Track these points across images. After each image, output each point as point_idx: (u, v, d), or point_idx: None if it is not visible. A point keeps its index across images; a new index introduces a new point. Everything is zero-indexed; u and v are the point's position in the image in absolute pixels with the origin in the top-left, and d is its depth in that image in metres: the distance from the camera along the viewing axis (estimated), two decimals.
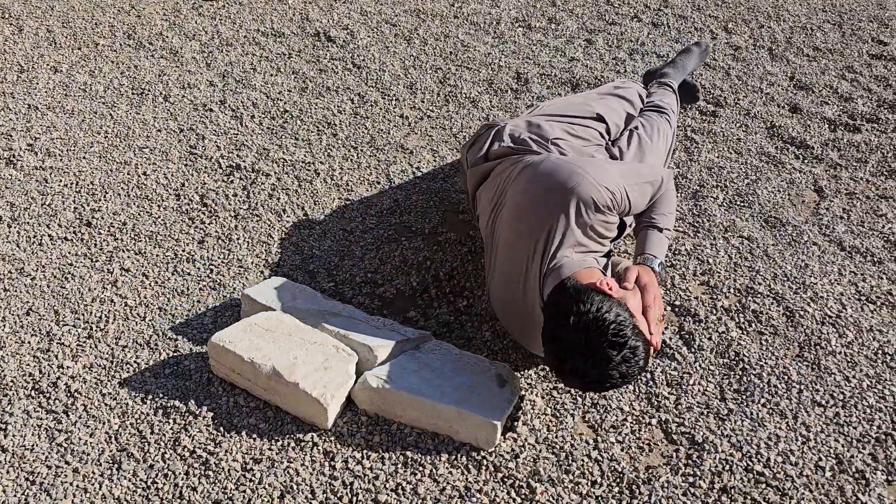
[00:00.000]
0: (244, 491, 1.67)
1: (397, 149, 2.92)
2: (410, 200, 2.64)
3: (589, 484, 1.70)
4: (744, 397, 1.92)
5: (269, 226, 2.51)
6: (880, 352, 2.06)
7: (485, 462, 1.74)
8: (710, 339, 2.10)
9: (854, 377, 1.98)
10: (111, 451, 1.76)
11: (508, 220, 1.92)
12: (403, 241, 2.46)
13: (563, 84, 3.40)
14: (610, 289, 1.66)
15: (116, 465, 1.73)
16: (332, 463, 1.73)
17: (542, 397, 1.92)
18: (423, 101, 3.23)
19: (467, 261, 2.38)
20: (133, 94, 3.24)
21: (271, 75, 3.40)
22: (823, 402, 1.91)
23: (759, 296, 2.24)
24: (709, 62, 3.64)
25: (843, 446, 1.80)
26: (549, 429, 1.83)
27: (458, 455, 1.75)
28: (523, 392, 1.92)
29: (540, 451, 1.78)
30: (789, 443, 1.81)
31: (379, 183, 2.73)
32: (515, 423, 1.84)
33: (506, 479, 1.71)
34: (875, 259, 2.39)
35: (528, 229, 1.85)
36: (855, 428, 1.84)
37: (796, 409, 1.89)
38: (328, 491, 1.67)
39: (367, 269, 2.34)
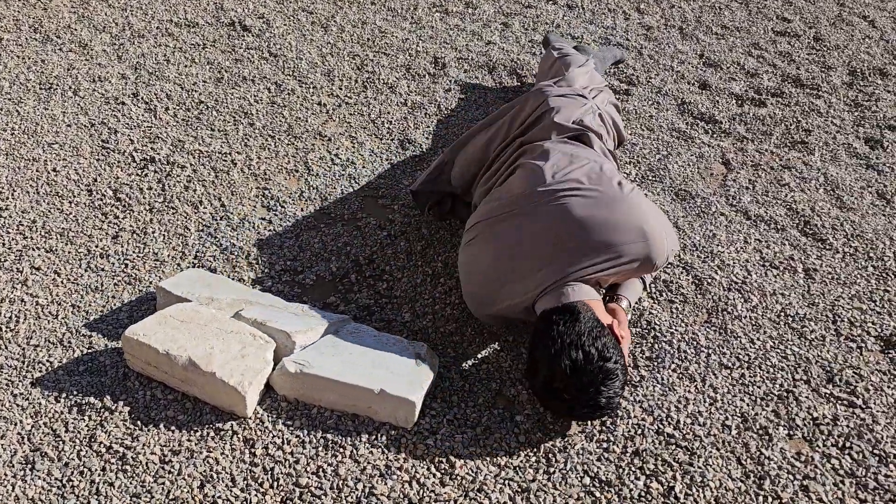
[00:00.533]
0: (163, 483, 1.66)
1: (315, 136, 2.91)
2: (329, 187, 2.64)
3: (507, 455, 1.75)
4: (655, 364, 1.99)
5: (186, 218, 2.47)
6: (783, 314, 2.16)
7: (405, 440, 1.77)
8: (634, 311, 2.16)
9: (758, 339, 2.07)
10: (24, 451, 1.73)
11: (570, 215, 1.83)
12: (323, 227, 2.46)
13: (480, 68, 3.43)
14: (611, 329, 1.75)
15: (30, 466, 1.70)
16: (253, 450, 1.74)
17: (460, 374, 1.95)
18: (340, 88, 3.23)
19: (386, 245, 2.39)
20: (41, 89, 3.15)
21: (185, 66, 3.34)
22: (730, 365, 1.99)
23: (669, 266, 2.32)
24: (622, 42, 3.72)
25: (748, 405, 1.88)
26: (468, 404, 1.87)
27: (379, 434, 1.78)
28: (441, 370, 1.95)
29: (459, 426, 1.81)
30: (698, 405, 1.88)
31: (297, 171, 2.72)
32: (434, 400, 1.87)
33: (426, 456, 1.73)
34: (778, 227, 2.50)
35: (588, 243, 1.80)
36: (759, 387, 1.93)
37: (704, 373, 1.97)
38: (249, 478, 1.68)
39: (286, 256, 2.34)
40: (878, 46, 3.78)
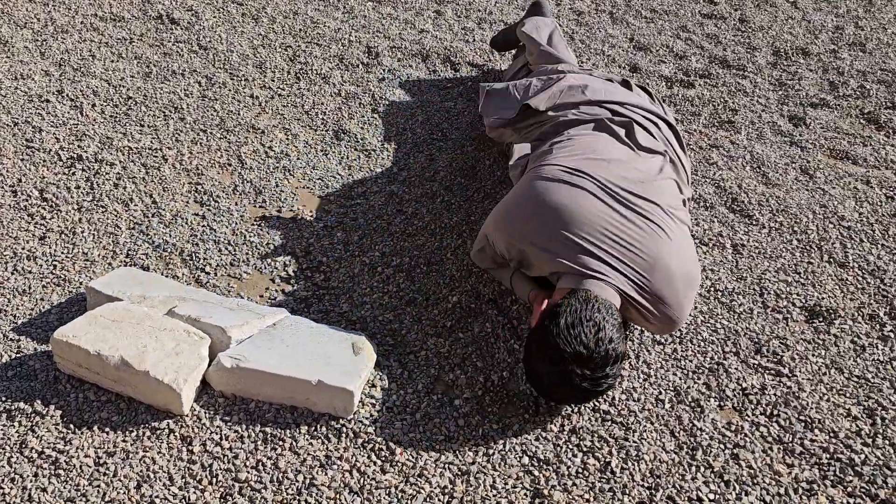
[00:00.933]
0: (98, 486, 1.63)
1: (248, 129, 2.88)
2: (264, 180, 2.61)
3: (446, 439, 1.76)
4: None
5: (116, 216, 2.43)
6: (713, 289, 2.21)
7: (344, 429, 1.77)
8: None
9: (690, 314, 2.12)
10: None
11: (648, 250, 1.80)
12: (259, 220, 2.44)
13: (413, 56, 3.43)
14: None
15: None
16: (190, 447, 1.72)
17: (399, 361, 1.96)
18: (273, 80, 3.19)
19: (323, 236, 2.38)
20: None
21: (112, 62, 3.27)
22: (662, 340, 2.04)
23: None
24: None
25: (680, 379, 1.93)
26: (408, 392, 1.88)
27: (318, 426, 1.77)
28: (380, 358, 1.96)
29: (399, 413, 1.82)
30: (632, 381, 1.92)
31: (230, 165, 2.69)
32: (373, 388, 1.87)
33: (366, 444, 1.74)
34: (707, 205, 2.56)
35: (648, 286, 1.78)
36: (691, 361, 1.98)
37: (638, 349, 2.01)
38: (187, 475, 1.66)
39: (221, 251, 2.31)
40: (800, 27, 3.89)
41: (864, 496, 1.66)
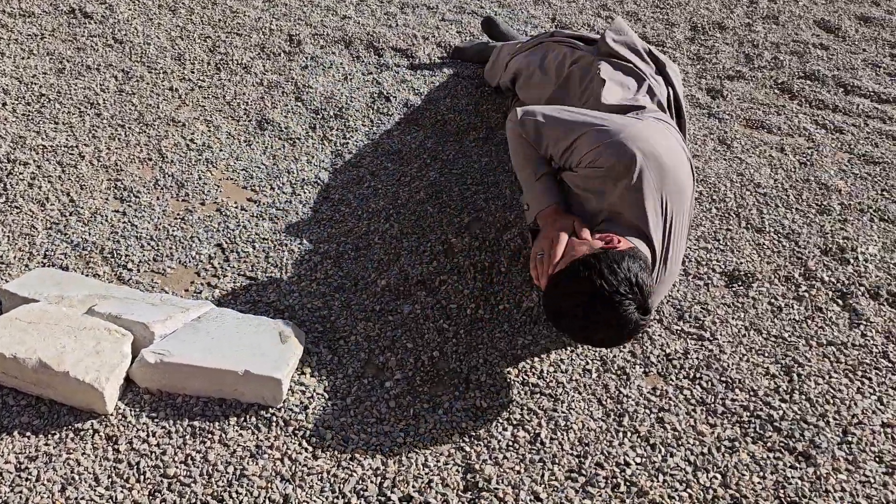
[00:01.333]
0: (20, 492, 1.59)
1: (168, 122, 2.82)
2: (186, 173, 2.56)
3: (378, 422, 1.76)
4: (525, 318, 2.05)
5: (32, 217, 2.35)
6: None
7: (275, 418, 1.76)
8: (482, 269, 2.21)
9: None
10: None
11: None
12: (181, 214, 2.39)
13: (336, 42, 3.40)
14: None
15: None
16: (116, 447, 1.68)
17: (329, 347, 1.95)
18: (192, 72, 3.13)
19: (249, 226, 2.35)
20: None
21: (23, 58, 3.16)
22: None
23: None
24: (476, 10, 3.76)
25: (606, 349, 1.97)
26: (338, 377, 1.87)
27: (248, 416, 1.76)
28: (309, 345, 1.95)
29: (329, 398, 1.82)
30: (559, 353, 1.95)
31: (151, 159, 2.63)
32: (303, 376, 1.86)
33: (297, 431, 1.73)
34: None
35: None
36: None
37: None
38: (113, 475, 1.63)
39: (144, 247, 2.26)
40: (716, 2, 3.97)
41: (783, 450, 1.72)
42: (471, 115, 2.93)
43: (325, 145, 2.76)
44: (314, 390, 1.83)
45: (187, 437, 1.71)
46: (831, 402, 1.84)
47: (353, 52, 3.35)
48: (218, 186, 2.52)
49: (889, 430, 1.77)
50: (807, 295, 2.14)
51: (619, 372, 1.91)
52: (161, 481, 1.62)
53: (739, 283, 2.18)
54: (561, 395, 1.84)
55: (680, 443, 1.73)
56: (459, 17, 3.67)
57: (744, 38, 3.62)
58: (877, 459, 1.71)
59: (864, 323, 2.05)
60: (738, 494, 1.62)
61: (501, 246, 2.27)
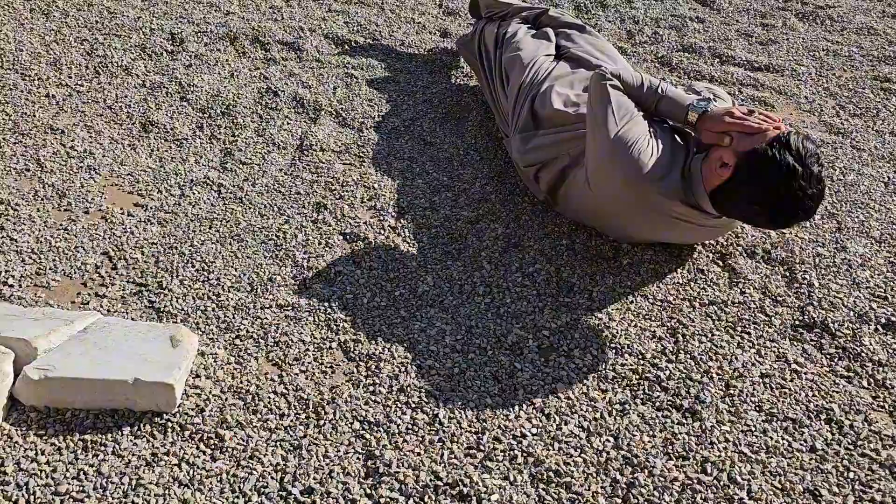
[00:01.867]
0: None
1: (46, 131, 2.72)
2: (68, 182, 2.48)
3: (277, 418, 1.76)
4: (414, 304, 2.07)
5: None
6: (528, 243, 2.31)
7: (170, 424, 1.73)
8: (380, 258, 2.22)
9: (504, 265, 2.20)
10: None
11: None
12: (65, 223, 2.32)
13: (220, 39, 3.34)
14: None
15: None
16: (3, 469, 1.63)
17: (225, 348, 1.93)
18: (70, 77, 3.02)
19: (138, 231, 2.30)
20: None
21: None
22: (482, 293, 2.11)
23: (418, 208, 2.40)
24: (363, 0, 3.75)
25: (500, 326, 2.01)
26: (234, 376, 1.86)
27: (142, 424, 1.73)
28: (203, 348, 1.92)
29: (226, 399, 1.80)
30: (455, 334, 1.98)
31: (29, 170, 2.53)
32: (198, 379, 1.84)
33: (194, 435, 1.71)
34: (511, 161, 2.66)
35: None
36: (509, 309, 2.07)
37: (459, 304, 2.07)
38: (1, 499, 1.58)
39: (26, 261, 2.18)
40: None
41: (670, 408, 1.80)
42: (364, 106, 2.93)
43: (214, 144, 2.72)
44: (210, 392, 1.81)
45: (79, 451, 1.67)
46: (714, 358, 1.93)
47: (239, 48, 3.29)
48: (102, 193, 2.45)
49: (767, 379, 1.87)
50: (689, 259, 2.23)
51: (512, 347, 1.95)
52: (52, 499, 1.57)
53: (625, 255, 2.25)
54: (457, 375, 1.87)
55: (573, 410, 1.79)
56: (346, 8, 3.65)
57: (625, 14, 3.73)
58: (757, 409, 1.80)
59: (743, 281, 2.16)
60: (629, 455, 1.69)
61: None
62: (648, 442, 1.72)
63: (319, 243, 2.28)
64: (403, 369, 1.88)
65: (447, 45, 3.38)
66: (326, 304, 2.07)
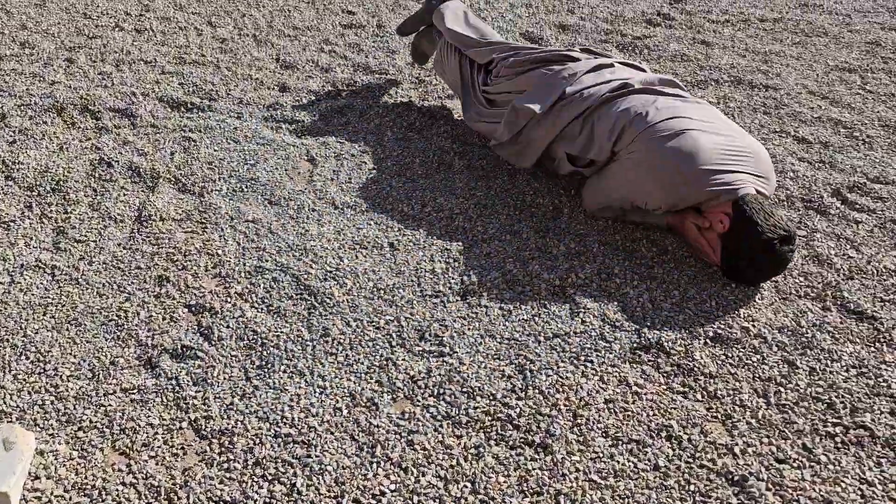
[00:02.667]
0: None
1: None
2: None
3: None
4: (266, 371, 2.05)
5: None
6: (375, 289, 2.34)
7: None
8: (228, 326, 2.19)
9: (355, 319, 2.22)
10: None
11: None
12: None
13: (46, 111, 3.21)
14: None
15: None
16: None
17: (67, 443, 1.85)
18: None
19: None
20: None
21: None
22: (334, 351, 2.12)
23: (267, 271, 2.39)
24: (197, 59, 3.71)
25: (354, 383, 2.02)
26: (78, 472, 1.78)
27: None
28: (41, 446, 1.83)
29: (70, 499, 1.71)
30: (309, 397, 1.98)
31: None
32: (38, 480, 1.74)
33: None
34: (362, 209, 2.69)
35: None
36: (362, 364, 2.08)
37: (312, 365, 2.07)
38: None
39: None
40: None
41: (523, 445, 1.86)
42: (204, 169, 2.89)
43: (45, 223, 2.60)
44: (52, 493, 1.72)
45: None
46: (561, 390, 2.01)
47: (67, 119, 3.18)
48: None
49: (611, 404, 1.97)
50: (532, 294, 2.32)
51: (368, 404, 1.96)
52: None
53: (472, 295, 2.32)
54: (314, 439, 1.86)
55: (430, 460, 1.81)
56: (180, 69, 3.60)
57: None
58: (603, 435, 1.89)
59: (583, 310, 2.26)
60: (486, 498, 1.73)
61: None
62: (504, 482, 1.77)
63: (164, 319, 2.22)
64: (258, 441, 1.86)
65: (285, 100, 3.39)
66: (174, 382, 2.02)
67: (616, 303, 2.30)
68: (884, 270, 2.43)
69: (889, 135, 3.16)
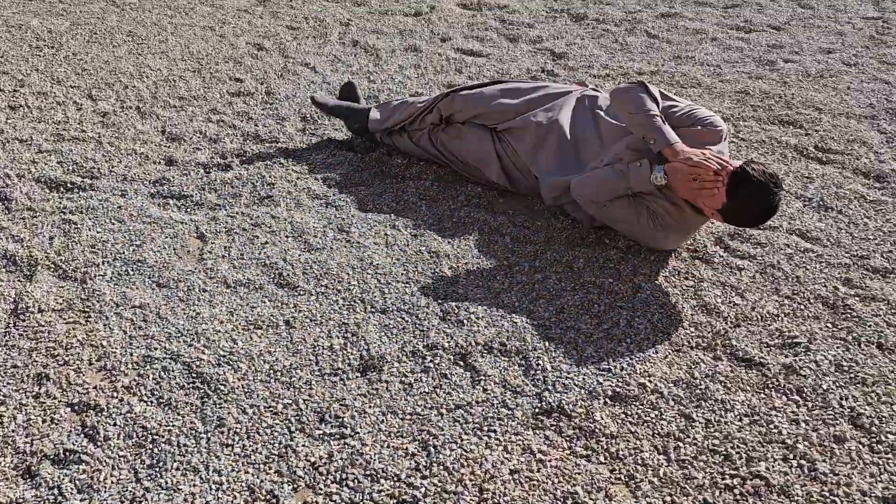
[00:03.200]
0: None
1: None
2: None
3: None
4: (157, 469, 1.95)
5: None
6: (272, 371, 2.27)
7: None
8: (115, 424, 2.08)
9: (251, 405, 2.14)
10: None
11: None
12: None
13: None
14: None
15: None
16: None
17: None
18: None
19: None
20: None
21: None
22: (230, 442, 2.03)
23: (156, 361, 2.29)
24: (77, 135, 3.57)
25: (252, 475, 1.94)
26: None
27: None
28: None
29: None
30: (205, 495, 1.89)
31: None
32: None
33: None
34: (256, 286, 2.62)
35: None
36: (260, 454, 2.00)
37: (207, 459, 1.98)
38: None
39: None
40: (321, 90, 4.19)
41: None
42: (86, 254, 2.76)
43: None
44: None
45: None
46: (466, 464, 1.98)
47: None
48: None
49: (516, 475, 1.96)
50: (432, 365, 2.30)
51: (268, 497, 1.89)
52: None
53: (372, 370, 2.28)
54: None
55: None
56: (58, 146, 3.46)
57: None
58: None
59: (484, 378, 2.26)
60: None
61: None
62: None
63: (44, 421, 2.08)
64: None
65: (172, 174, 3.30)
66: (56, 491, 1.89)
67: (516, 367, 2.31)
68: (767, 315, 2.53)
69: None
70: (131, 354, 2.31)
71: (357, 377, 2.26)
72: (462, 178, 3.29)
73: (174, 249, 2.82)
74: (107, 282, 2.63)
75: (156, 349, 2.33)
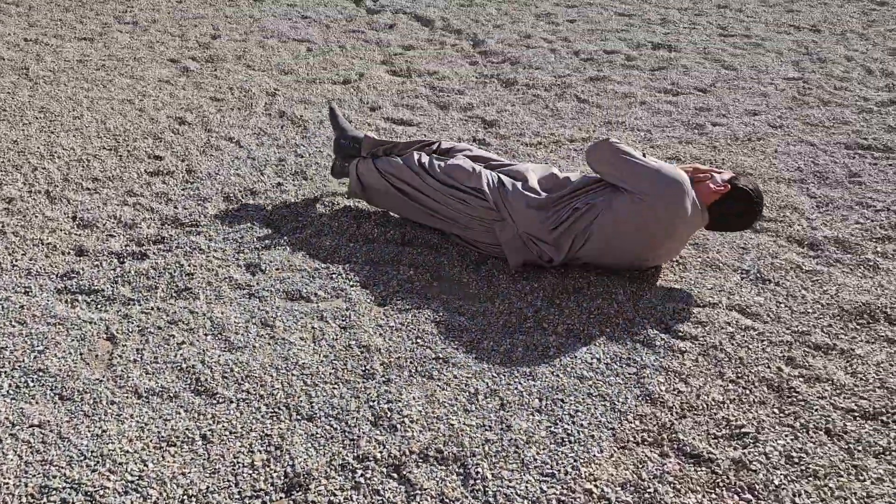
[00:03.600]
0: None
1: None
2: None
3: None
4: None
5: None
6: (185, 496, 2.06)
7: None
8: None
9: None
10: None
11: None
12: None
13: None
14: None
15: None
16: None
17: None
18: None
19: None
20: None
21: None
22: None
23: (54, 492, 2.06)
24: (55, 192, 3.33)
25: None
26: None
27: None
28: None
29: None
30: None
31: None
32: None
33: None
34: (171, 394, 2.42)
35: None
36: None
37: None
38: None
39: None
40: (246, 166, 4.03)
41: None
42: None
43: None
44: None
45: None
46: None
47: None
48: None
49: None
50: (363, 480, 2.13)
51: None
52: None
53: (298, 489, 2.09)
54: None
55: None
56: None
57: (275, 200, 3.70)
58: None
59: (419, 493, 2.09)
60: None
61: None
62: None
63: None
64: None
65: (82, 266, 3.08)
66: None
67: (454, 476, 2.15)
68: (713, 403, 2.44)
69: (699, 253, 3.28)
70: (26, 485, 2.08)
71: (281, 498, 2.07)
72: (394, 259, 3.15)
73: (80, 354, 2.59)
74: (2, 396, 2.39)
75: (54, 477, 2.10)
